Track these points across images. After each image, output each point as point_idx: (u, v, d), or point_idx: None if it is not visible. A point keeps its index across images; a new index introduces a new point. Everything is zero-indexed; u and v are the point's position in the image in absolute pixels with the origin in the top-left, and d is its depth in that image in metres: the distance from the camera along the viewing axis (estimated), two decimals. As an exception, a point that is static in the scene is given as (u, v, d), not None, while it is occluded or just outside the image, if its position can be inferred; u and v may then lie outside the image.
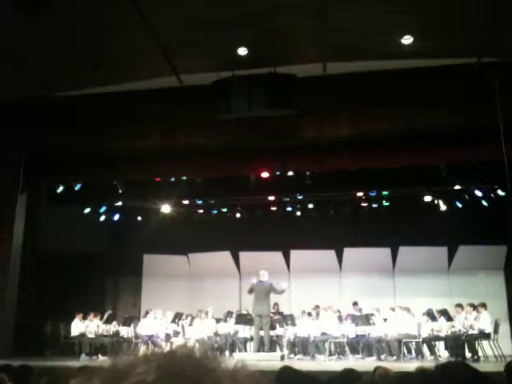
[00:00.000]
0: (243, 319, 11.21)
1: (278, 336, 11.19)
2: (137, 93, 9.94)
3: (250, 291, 10.63)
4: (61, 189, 12.01)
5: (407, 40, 8.40)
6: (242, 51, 8.74)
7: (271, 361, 8.53)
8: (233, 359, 0.63)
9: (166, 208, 13.45)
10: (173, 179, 11.83)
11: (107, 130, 10.20)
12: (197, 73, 9.22)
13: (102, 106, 10.09)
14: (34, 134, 10.34)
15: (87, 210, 12.92)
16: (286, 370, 3.12)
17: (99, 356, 10.58)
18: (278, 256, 13.31)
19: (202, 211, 13.65)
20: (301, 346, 10.90)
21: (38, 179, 11.42)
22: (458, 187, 12.04)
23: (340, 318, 11.03)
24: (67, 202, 12.37)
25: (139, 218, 13.52)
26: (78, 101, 10.07)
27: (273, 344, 10.93)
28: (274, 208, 13.35)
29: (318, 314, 11.17)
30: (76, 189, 12.04)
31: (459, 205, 12.38)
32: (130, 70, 9.27)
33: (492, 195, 11.88)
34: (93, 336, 10.93)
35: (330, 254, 13.23)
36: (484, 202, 12.05)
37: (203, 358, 0.60)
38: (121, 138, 10.30)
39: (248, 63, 8.85)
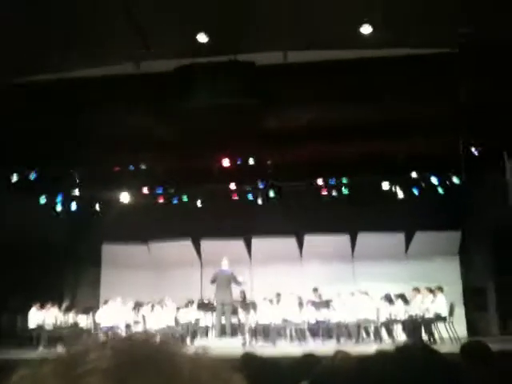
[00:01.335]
0: (205, 307, 11.22)
1: (239, 323, 11.24)
2: (94, 80, 9.59)
3: (213, 281, 10.66)
4: (15, 178, 11.59)
5: (367, 29, 8.45)
6: (203, 38, 8.61)
7: (233, 348, 8.57)
8: (194, 347, 0.60)
9: (125, 197, 13.20)
10: (132, 168, 11.63)
11: (66, 119, 9.84)
12: (156, 59, 9.02)
13: (59, 95, 9.67)
14: None
15: (43, 200, 12.55)
16: (248, 356, 3.14)
17: (58, 347, 10.37)
18: (239, 244, 13.33)
19: (162, 200, 13.46)
20: (262, 333, 10.99)
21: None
22: (414, 175, 12.30)
23: (301, 305, 11.18)
24: (23, 191, 11.97)
25: (98, 208, 13.23)
26: (32, 91, 9.61)
27: (234, 331, 10.98)
28: (235, 197, 13.31)
29: (279, 301, 11.28)
30: (31, 178, 11.65)
31: (416, 192, 12.65)
32: (91, 54, 8.91)
33: (447, 183, 12.19)
34: (51, 327, 10.70)
35: (291, 241, 13.34)
36: (440, 190, 12.36)
37: (162, 344, 0.57)
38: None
39: (208, 51, 8.72)
